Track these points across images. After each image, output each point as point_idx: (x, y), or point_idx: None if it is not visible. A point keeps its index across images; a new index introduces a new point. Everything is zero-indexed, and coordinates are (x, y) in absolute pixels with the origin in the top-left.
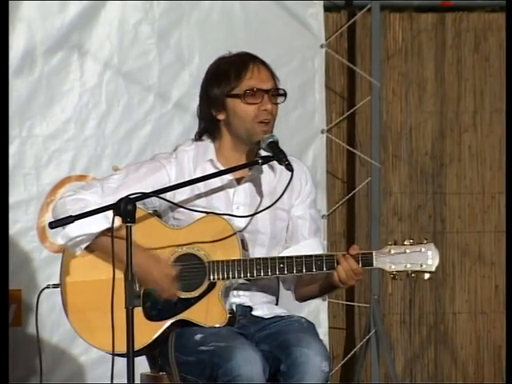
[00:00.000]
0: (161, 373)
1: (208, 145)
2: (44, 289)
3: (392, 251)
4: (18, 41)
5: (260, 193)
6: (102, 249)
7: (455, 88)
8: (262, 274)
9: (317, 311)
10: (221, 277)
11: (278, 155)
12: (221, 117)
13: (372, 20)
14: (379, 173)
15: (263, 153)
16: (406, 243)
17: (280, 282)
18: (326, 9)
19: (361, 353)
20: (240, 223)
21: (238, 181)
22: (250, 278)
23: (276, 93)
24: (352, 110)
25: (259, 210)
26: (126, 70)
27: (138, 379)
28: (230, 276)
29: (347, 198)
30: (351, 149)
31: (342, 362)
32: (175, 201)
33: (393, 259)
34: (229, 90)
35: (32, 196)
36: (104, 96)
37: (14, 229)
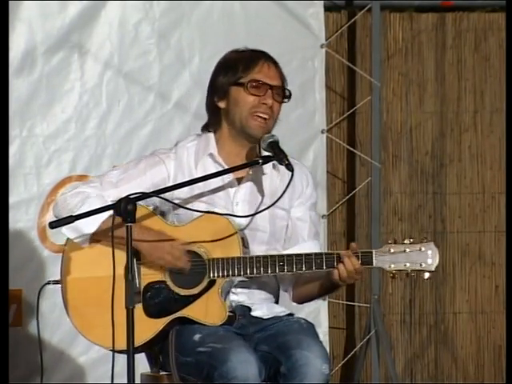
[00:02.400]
0: (161, 372)
1: (209, 137)
2: (45, 285)
3: (392, 250)
4: (18, 41)
5: (261, 191)
6: (107, 234)
7: (455, 88)
8: (261, 271)
9: (317, 311)
10: (221, 274)
11: (279, 155)
12: (222, 105)
13: (372, 20)
14: (379, 173)
15: (264, 152)
16: (405, 242)
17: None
18: (326, 9)
19: (361, 353)
20: (240, 220)
21: (239, 180)
22: (250, 275)
23: (280, 92)
24: (352, 110)
25: (260, 208)
26: (127, 70)
27: (138, 379)
28: (230, 273)
29: (347, 198)
30: (351, 149)
31: (342, 362)
32: (174, 196)
33: (392, 258)
34: (235, 80)
35: (32, 196)
36: (104, 96)
37: (14, 229)
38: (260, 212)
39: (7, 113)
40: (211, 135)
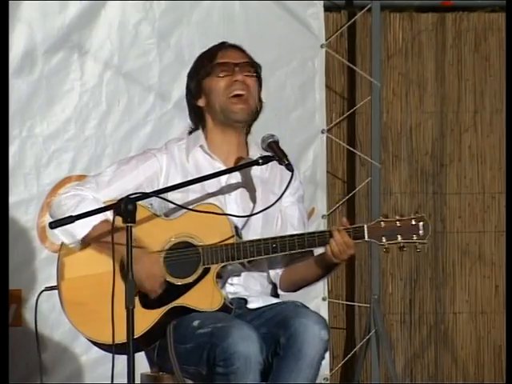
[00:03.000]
0: (161, 372)
1: (198, 133)
2: (42, 291)
3: (383, 224)
4: (18, 41)
5: (252, 181)
6: (98, 239)
7: (455, 88)
8: (255, 255)
9: (317, 311)
10: (214, 261)
11: (279, 155)
12: (201, 103)
13: (372, 20)
14: (379, 173)
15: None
16: (397, 217)
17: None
18: (326, 9)
19: (361, 353)
20: (233, 210)
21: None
22: (244, 259)
23: (249, 67)
24: (352, 110)
25: (252, 197)
26: (126, 70)
27: (138, 379)
28: (224, 260)
29: (347, 198)
30: (351, 149)
31: (342, 362)
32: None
33: (384, 232)
34: (203, 73)
35: (32, 196)
36: (104, 96)
37: (13, 229)
38: (255, 214)
39: (7, 113)
40: (199, 131)
